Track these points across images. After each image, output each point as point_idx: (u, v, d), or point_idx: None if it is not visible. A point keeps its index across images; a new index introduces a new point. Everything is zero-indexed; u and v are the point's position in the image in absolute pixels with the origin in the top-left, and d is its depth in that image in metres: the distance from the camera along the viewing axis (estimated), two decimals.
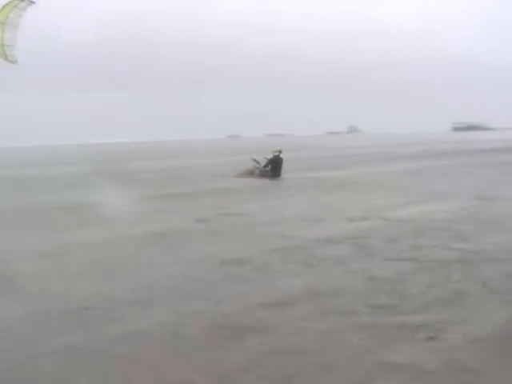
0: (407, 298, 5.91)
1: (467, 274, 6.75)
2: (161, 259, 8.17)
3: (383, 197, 14.57)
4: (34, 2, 14.63)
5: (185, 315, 5.62)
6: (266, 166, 21.89)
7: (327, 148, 57.31)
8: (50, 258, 8.49)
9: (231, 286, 6.63)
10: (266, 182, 20.65)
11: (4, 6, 14.55)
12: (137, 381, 4.21)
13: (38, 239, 10.05)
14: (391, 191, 15.81)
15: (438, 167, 24.39)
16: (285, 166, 22.06)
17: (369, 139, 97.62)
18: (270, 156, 22.04)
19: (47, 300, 6.25)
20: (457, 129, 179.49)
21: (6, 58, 14.90)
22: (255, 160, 22.30)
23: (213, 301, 6.04)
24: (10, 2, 14.58)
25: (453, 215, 11.08)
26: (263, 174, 21.74)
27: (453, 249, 8.10)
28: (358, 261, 7.64)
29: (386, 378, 4.08)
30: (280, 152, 21.96)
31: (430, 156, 34.86)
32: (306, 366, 4.32)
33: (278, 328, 5.15)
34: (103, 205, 13.56)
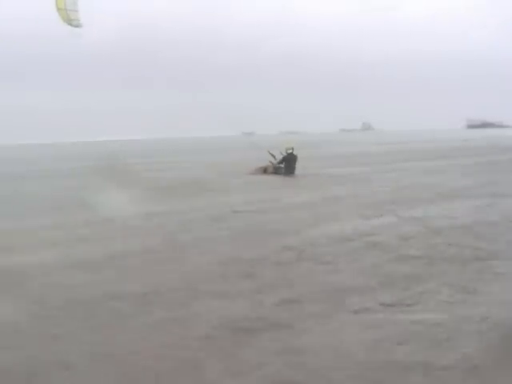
0: (421, 295, 5.91)
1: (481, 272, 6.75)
2: (174, 261, 8.18)
3: (397, 194, 14.57)
4: None
5: (197, 312, 5.65)
6: (279, 162, 21.96)
7: (341, 145, 57.11)
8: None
9: (245, 283, 6.64)
10: (279, 178, 20.68)
11: None
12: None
13: None
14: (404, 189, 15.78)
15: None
16: (298, 163, 22.06)
17: (384, 136, 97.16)
18: (285, 152, 21.96)
19: None
20: (471, 126, 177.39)
21: (70, 22, 15.21)
22: (272, 154, 22.27)
23: (226, 298, 6.07)
24: None
25: (470, 213, 11.04)
26: (277, 170, 21.82)
27: (467, 247, 8.09)
28: (371, 258, 7.65)
29: (399, 377, 4.09)
30: (293, 149, 22.02)
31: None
32: (318, 365, 4.33)
33: (292, 325, 5.17)
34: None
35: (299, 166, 21.91)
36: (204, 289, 6.45)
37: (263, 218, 11.47)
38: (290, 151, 21.96)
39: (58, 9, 15.07)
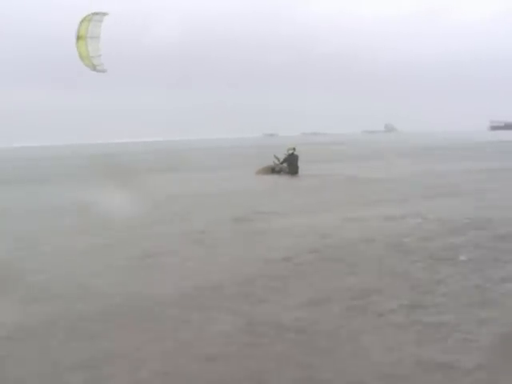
0: (444, 298, 5.92)
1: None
2: (199, 262, 8.15)
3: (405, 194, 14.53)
4: (107, 14, 15.55)
5: (221, 313, 5.71)
6: (282, 162, 22.63)
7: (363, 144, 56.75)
8: None
9: (270, 284, 6.68)
10: (286, 178, 21.33)
11: (81, 22, 15.56)
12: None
13: None
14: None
15: None
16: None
17: (410, 138, 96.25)
18: (287, 152, 22.69)
19: None
20: (494, 127, 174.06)
21: (94, 68, 15.81)
22: (276, 157, 22.80)
23: (250, 299, 6.13)
24: (85, 17, 15.57)
25: (491, 214, 10.96)
26: (282, 170, 22.44)
27: (489, 248, 8.06)
28: (395, 260, 7.65)
29: (422, 379, 4.12)
30: (294, 150, 22.66)
31: None
32: (341, 366, 4.36)
33: (315, 327, 5.20)
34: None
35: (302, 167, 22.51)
36: (229, 290, 6.52)
37: (285, 219, 11.50)
38: (292, 151, 22.68)
39: (82, 57, 15.60)
